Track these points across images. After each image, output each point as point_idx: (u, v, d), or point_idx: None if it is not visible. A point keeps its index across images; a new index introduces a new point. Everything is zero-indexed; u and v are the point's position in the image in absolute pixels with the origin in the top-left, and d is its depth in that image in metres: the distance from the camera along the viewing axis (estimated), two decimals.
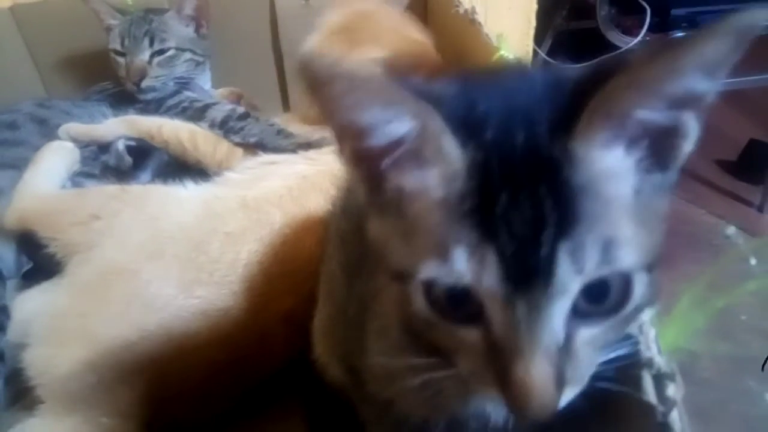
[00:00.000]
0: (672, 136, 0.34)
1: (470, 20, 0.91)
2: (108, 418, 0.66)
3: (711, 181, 1.93)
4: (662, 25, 1.87)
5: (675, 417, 0.32)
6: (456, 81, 0.38)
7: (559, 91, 0.34)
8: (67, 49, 1.26)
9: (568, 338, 0.33)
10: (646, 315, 0.38)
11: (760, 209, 1.79)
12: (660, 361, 0.34)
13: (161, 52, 1.10)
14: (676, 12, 1.88)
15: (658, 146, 0.34)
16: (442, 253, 0.32)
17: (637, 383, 0.35)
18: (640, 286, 0.33)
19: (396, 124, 0.33)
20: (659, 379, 0.34)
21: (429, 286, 0.34)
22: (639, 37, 1.82)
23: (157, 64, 1.10)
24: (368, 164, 0.36)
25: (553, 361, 0.32)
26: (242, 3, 1.24)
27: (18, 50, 1.24)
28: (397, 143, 0.34)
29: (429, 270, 0.33)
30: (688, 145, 0.34)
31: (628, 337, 0.38)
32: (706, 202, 1.78)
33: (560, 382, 0.32)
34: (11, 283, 0.90)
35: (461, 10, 0.96)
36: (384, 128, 0.33)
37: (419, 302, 0.34)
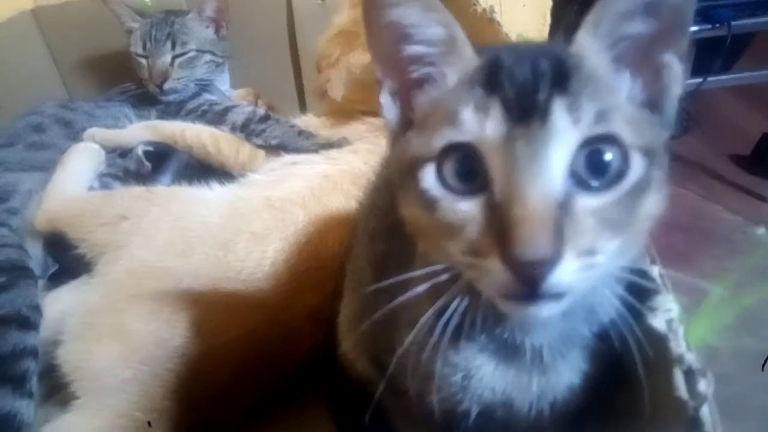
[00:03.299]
0: (661, 79, 0.39)
1: (489, 19, 0.91)
2: (142, 413, 0.68)
3: (724, 176, 1.93)
4: None
5: (706, 411, 0.33)
6: None
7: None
8: (88, 50, 1.28)
9: (567, 199, 0.35)
10: (675, 312, 0.39)
11: None
12: (690, 358, 0.36)
13: (182, 54, 1.12)
14: None
15: (652, 89, 0.39)
16: (453, 118, 0.37)
17: (668, 379, 0.36)
18: (637, 165, 0.36)
19: (430, 28, 0.39)
20: (690, 375, 0.35)
21: (440, 163, 0.38)
22: None
23: (179, 66, 1.12)
24: (403, 92, 0.42)
25: (550, 207, 0.34)
26: (259, 4, 1.26)
27: (40, 52, 1.26)
28: (428, 51, 0.40)
29: (442, 137, 0.37)
30: (677, 88, 0.39)
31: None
32: (720, 197, 1.78)
33: (558, 233, 0.33)
34: (39, 284, 0.92)
35: (479, 9, 0.96)
36: (421, 30, 0.39)
37: (430, 179, 0.38)
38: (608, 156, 0.35)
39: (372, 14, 0.40)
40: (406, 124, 0.42)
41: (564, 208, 0.34)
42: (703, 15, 1.86)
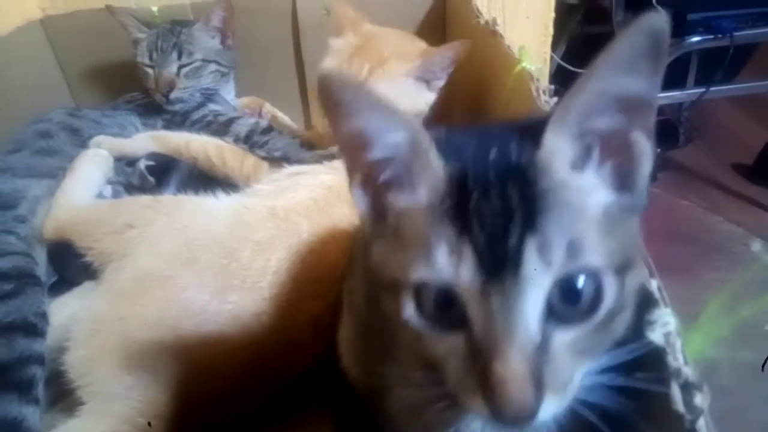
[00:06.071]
0: (630, 157, 0.38)
1: (491, 32, 0.93)
2: (144, 419, 0.68)
3: (727, 186, 1.93)
4: (678, 29, 1.87)
5: (702, 425, 0.34)
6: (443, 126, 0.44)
7: (534, 121, 0.39)
8: (95, 59, 1.30)
9: (545, 340, 0.35)
10: (672, 326, 0.40)
11: None
12: (687, 371, 0.36)
13: (188, 63, 1.14)
14: (693, 16, 1.89)
15: (621, 168, 0.38)
16: (427, 253, 0.36)
17: (665, 393, 0.36)
18: (610, 290, 0.36)
19: (393, 134, 0.38)
20: (687, 388, 0.36)
21: (418, 293, 0.37)
22: None
23: (185, 76, 1.14)
24: (373, 188, 0.41)
25: (530, 359, 0.34)
26: (265, 14, 1.27)
27: (47, 60, 1.28)
28: (393, 155, 0.39)
29: (417, 272, 0.36)
30: (646, 165, 0.38)
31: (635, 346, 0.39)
32: (723, 207, 1.78)
33: (538, 384, 0.34)
34: None
35: (482, 22, 0.97)
36: (383, 136, 0.38)
37: (410, 311, 0.38)
38: (581, 286, 0.35)
39: (334, 121, 0.39)
40: (381, 216, 0.42)
41: (542, 349, 0.35)
42: (706, 26, 1.88)
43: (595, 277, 0.35)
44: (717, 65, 1.92)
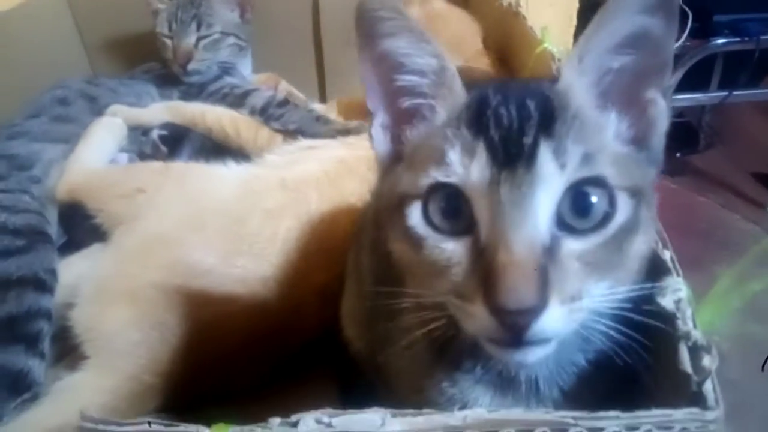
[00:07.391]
0: (647, 116, 0.39)
1: (513, 12, 0.92)
2: (149, 376, 0.69)
3: (744, 193, 1.90)
4: (704, 30, 1.84)
5: (709, 386, 0.34)
6: None
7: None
8: (115, 28, 1.31)
9: (554, 244, 0.34)
10: (683, 293, 0.39)
11: None
12: (696, 334, 0.36)
13: (207, 36, 1.14)
14: (719, 18, 1.85)
15: (639, 127, 0.39)
16: (440, 158, 0.37)
17: (674, 354, 0.36)
18: (623, 207, 0.36)
19: (422, 58, 0.40)
20: (695, 351, 0.35)
21: (426, 202, 0.38)
22: (680, 42, 1.79)
23: (203, 48, 1.14)
24: (393, 127, 0.43)
25: (536, 254, 0.33)
26: None
27: (68, 28, 1.28)
28: (419, 82, 0.40)
29: (428, 176, 0.37)
30: (662, 124, 0.40)
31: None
32: (741, 214, 1.75)
33: (543, 282, 0.33)
34: None
35: (504, 2, 0.97)
36: (413, 60, 0.40)
37: (416, 218, 0.38)
38: (594, 198, 0.35)
39: (366, 43, 0.40)
40: (396, 157, 0.43)
41: (550, 253, 0.34)
42: (732, 28, 1.84)
43: (608, 189, 0.35)
44: (742, 69, 1.89)
